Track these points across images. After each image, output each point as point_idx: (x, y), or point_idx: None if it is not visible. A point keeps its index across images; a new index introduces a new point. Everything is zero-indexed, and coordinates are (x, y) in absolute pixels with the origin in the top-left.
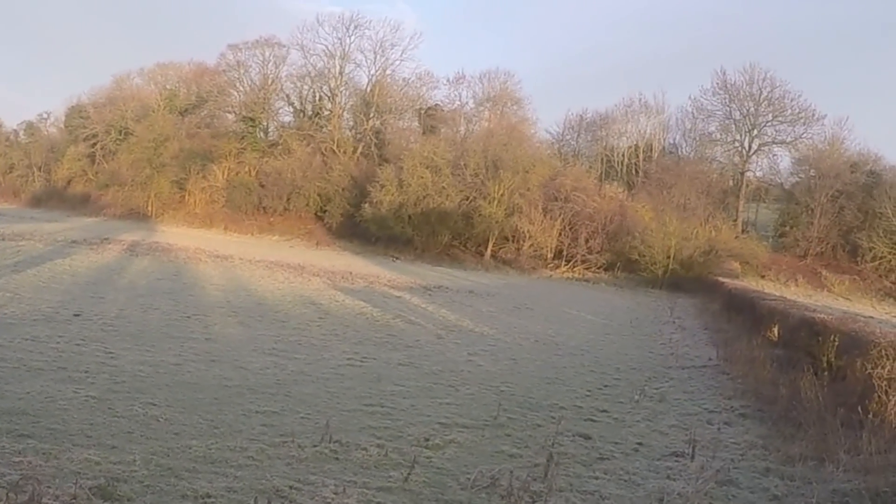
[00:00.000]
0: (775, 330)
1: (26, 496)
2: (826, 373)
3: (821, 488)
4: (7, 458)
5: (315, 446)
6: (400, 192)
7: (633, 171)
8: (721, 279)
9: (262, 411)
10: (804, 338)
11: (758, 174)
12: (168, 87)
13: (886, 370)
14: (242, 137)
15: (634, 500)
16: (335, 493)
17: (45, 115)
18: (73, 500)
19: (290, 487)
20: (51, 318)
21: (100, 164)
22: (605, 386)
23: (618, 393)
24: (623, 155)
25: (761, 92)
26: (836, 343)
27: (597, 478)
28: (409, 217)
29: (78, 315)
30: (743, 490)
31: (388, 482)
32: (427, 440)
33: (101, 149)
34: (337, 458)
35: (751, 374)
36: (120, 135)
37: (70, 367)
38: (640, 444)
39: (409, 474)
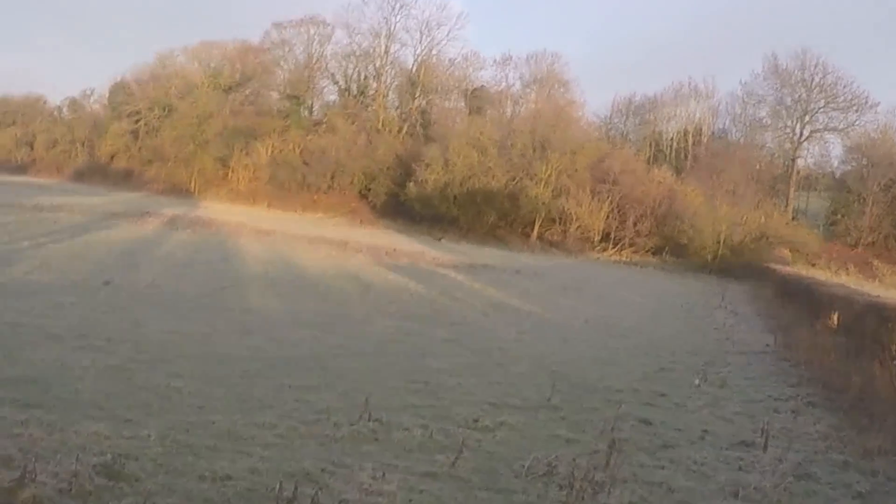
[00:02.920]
0: (835, 317)
1: (18, 473)
2: None
3: None
4: (7, 430)
5: (352, 425)
6: (445, 172)
7: (682, 156)
8: (772, 266)
9: (296, 386)
10: (871, 325)
11: (809, 161)
12: (212, 65)
13: None
14: (286, 115)
15: (706, 494)
16: (373, 479)
17: (88, 92)
18: (74, 479)
19: (322, 470)
20: (78, 286)
21: (143, 141)
22: (662, 369)
23: (675, 377)
24: (672, 139)
25: (813, 78)
26: None
27: (663, 467)
28: (455, 196)
29: (108, 283)
30: (823, 485)
31: (433, 467)
32: (476, 421)
33: (145, 125)
34: (376, 439)
35: (814, 362)
36: (163, 111)
37: (91, 335)
38: (705, 431)
39: (456, 459)
